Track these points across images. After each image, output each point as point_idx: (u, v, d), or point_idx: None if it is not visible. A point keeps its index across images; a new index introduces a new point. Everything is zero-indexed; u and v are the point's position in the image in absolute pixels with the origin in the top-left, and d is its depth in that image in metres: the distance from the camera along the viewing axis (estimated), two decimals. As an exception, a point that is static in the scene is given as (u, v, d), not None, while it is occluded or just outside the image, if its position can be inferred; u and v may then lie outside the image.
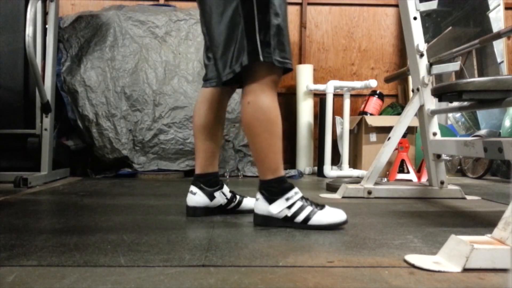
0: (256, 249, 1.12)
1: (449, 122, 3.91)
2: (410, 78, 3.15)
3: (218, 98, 1.57)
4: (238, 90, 1.63)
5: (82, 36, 3.18)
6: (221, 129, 1.62)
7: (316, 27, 3.95)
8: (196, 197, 1.55)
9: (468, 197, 2.17)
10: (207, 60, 1.59)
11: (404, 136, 2.99)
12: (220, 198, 1.57)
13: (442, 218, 1.61)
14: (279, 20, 1.34)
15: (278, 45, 1.34)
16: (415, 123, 2.65)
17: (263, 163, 1.38)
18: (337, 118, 3.67)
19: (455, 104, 2.03)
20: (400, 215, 1.67)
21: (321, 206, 1.39)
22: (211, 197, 1.55)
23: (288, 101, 3.77)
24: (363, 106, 3.65)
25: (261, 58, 1.32)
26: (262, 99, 1.36)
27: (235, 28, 1.33)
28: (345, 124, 3.36)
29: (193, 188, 1.56)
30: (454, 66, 2.12)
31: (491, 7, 3.86)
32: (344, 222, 1.38)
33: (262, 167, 1.39)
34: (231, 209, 1.60)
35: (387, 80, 2.69)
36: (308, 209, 1.37)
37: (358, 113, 3.69)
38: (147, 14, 3.30)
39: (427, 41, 2.99)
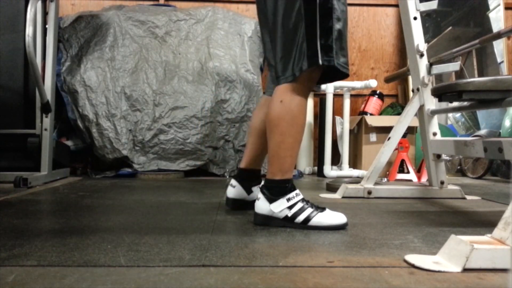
0: (256, 249, 1.12)
1: (449, 122, 3.91)
2: (410, 78, 3.15)
3: None
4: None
5: (82, 36, 3.18)
6: None
7: (316, 27, 3.94)
8: (235, 190, 1.65)
9: (468, 197, 2.17)
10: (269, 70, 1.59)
11: (404, 136, 3.00)
12: (257, 192, 1.58)
13: (442, 218, 1.61)
14: (341, 25, 1.34)
15: (340, 49, 1.35)
16: (415, 123, 2.65)
17: (277, 163, 1.39)
18: (337, 118, 3.67)
19: (455, 104, 2.03)
20: (400, 215, 1.67)
21: (321, 209, 1.40)
22: (249, 191, 1.64)
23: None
24: (363, 106, 3.65)
25: (320, 62, 1.32)
26: (296, 102, 1.36)
27: (297, 32, 1.33)
28: (345, 124, 3.36)
29: (233, 182, 1.66)
30: (454, 66, 2.12)
31: (491, 7, 3.85)
32: (344, 225, 1.39)
33: (274, 166, 1.40)
34: None
35: (387, 80, 2.69)
36: (309, 211, 1.37)
37: (358, 113, 3.69)
38: (147, 14, 3.30)
39: (427, 41, 2.99)
